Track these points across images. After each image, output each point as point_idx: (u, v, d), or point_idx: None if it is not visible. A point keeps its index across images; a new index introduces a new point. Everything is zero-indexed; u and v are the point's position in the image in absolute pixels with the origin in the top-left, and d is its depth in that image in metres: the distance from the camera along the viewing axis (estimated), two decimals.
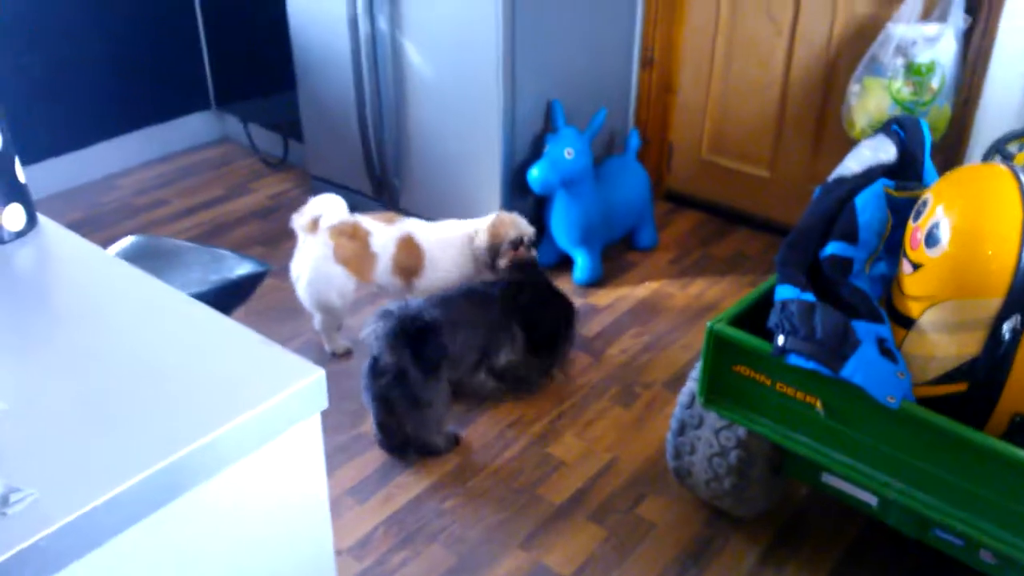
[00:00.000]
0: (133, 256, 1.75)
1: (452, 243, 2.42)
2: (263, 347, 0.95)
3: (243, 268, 1.66)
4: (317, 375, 0.91)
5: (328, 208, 2.37)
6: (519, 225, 2.43)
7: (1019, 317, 1.47)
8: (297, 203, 3.24)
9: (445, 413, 2.13)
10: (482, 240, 2.39)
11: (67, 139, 3.32)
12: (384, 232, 2.38)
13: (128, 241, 1.82)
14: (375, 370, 2.04)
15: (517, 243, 2.38)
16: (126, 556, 0.82)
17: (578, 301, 2.74)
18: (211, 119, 3.73)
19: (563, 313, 2.42)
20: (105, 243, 1.69)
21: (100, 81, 3.33)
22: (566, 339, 2.42)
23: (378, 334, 1.97)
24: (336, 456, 2.15)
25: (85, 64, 3.27)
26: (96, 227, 3.10)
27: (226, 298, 1.63)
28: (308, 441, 0.95)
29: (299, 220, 2.37)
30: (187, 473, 0.84)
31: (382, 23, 2.75)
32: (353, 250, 2.34)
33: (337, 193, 3.19)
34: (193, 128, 3.68)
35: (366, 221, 2.40)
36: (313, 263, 2.35)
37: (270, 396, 0.88)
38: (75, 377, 0.91)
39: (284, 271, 2.86)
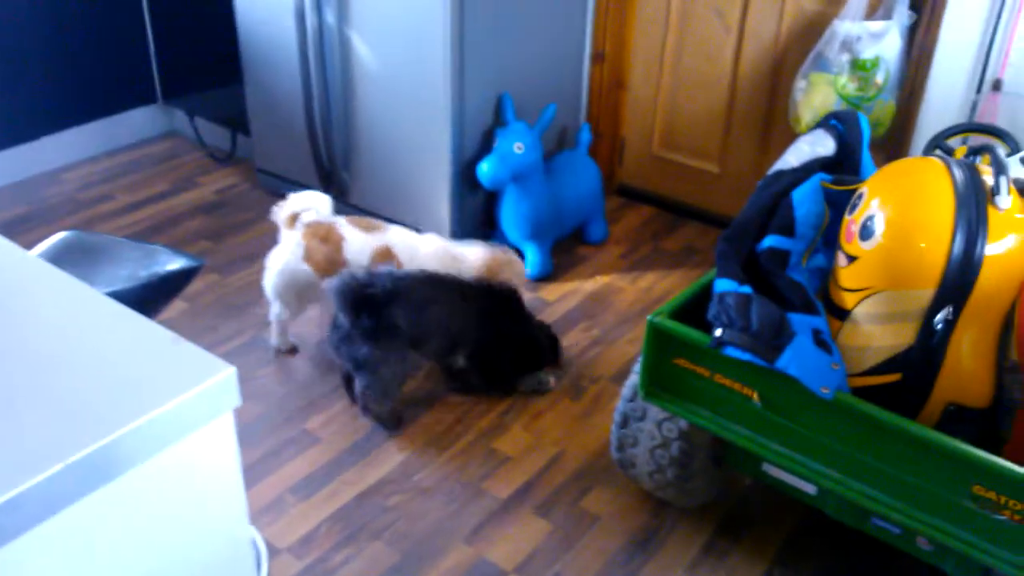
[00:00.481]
0: (63, 252, 1.70)
1: (433, 262, 2.33)
2: (175, 345, 0.93)
3: (175, 263, 1.62)
4: (228, 372, 0.89)
5: (310, 205, 2.33)
6: (516, 271, 2.38)
7: (951, 308, 1.49)
8: (244, 198, 3.22)
9: (392, 386, 2.15)
10: (470, 274, 2.32)
11: (10, 133, 3.24)
12: (360, 240, 2.31)
13: (59, 237, 1.77)
14: (333, 323, 2.13)
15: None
16: (30, 557, 0.80)
17: (528, 295, 2.73)
18: (157, 113, 3.67)
19: (524, 348, 2.32)
20: (47, 238, 1.65)
21: (44, 74, 3.25)
22: (513, 374, 2.33)
23: (331, 291, 2.04)
24: (281, 452, 2.12)
25: (28, 57, 3.19)
26: (39, 222, 3.03)
27: (157, 293, 1.60)
28: (221, 439, 0.93)
29: (279, 213, 2.34)
30: (94, 472, 0.82)
31: (329, 16, 2.72)
32: (324, 253, 2.29)
33: (286, 188, 3.15)
34: (139, 122, 3.61)
35: (344, 226, 2.32)
36: (282, 258, 2.32)
37: (179, 393, 0.86)
38: None
39: (230, 267, 2.82)
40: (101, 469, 0.82)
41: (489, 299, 2.27)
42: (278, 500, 1.99)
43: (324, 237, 2.29)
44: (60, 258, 1.67)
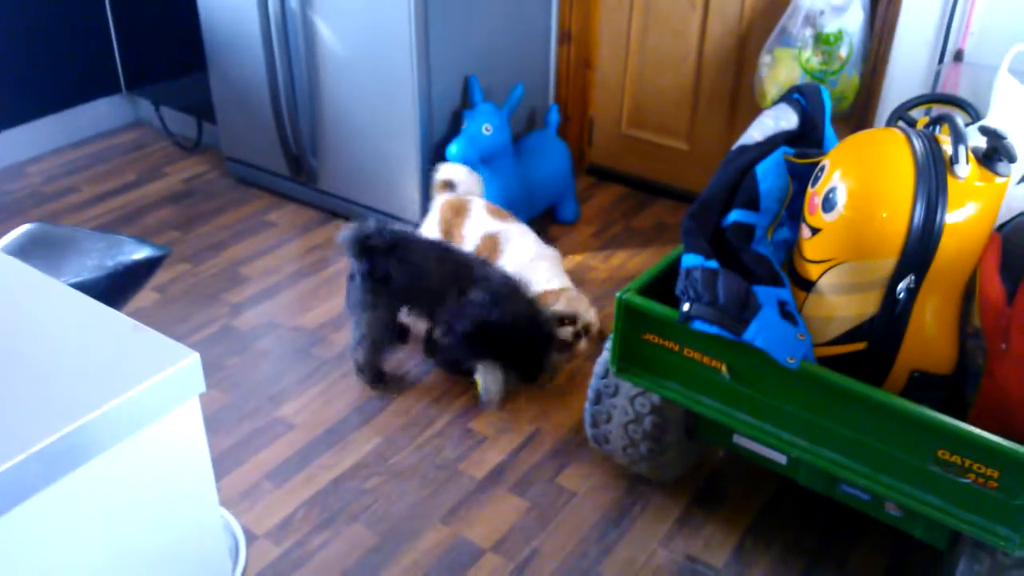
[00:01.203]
0: (28, 244, 1.69)
1: (528, 270, 2.36)
2: (137, 332, 0.93)
3: (141, 252, 1.61)
4: (192, 358, 0.89)
5: (462, 179, 2.54)
6: (583, 312, 2.34)
7: (913, 277, 1.51)
8: (212, 187, 3.20)
9: (380, 335, 2.24)
10: (559, 304, 2.31)
11: None
12: (480, 222, 2.46)
13: (23, 229, 1.76)
14: (348, 275, 2.27)
15: (577, 334, 2.33)
16: None
17: None
18: (122, 103, 3.62)
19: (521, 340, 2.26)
20: (11, 231, 1.63)
21: (4, 66, 3.20)
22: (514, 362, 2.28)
23: (342, 238, 2.18)
24: (255, 440, 2.12)
25: None
26: (4, 216, 2.99)
27: (125, 283, 1.59)
28: (188, 425, 0.93)
29: (437, 177, 2.57)
30: (61, 458, 0.82)
31: (292, 0, 2.69)
32: (450, 225, 2.48)
33: (255, 175, 3.13)
34: (103, 112, 3.57)
35: (476, 206, 2.49)
36: (425, 222, 2.56)
37: (144, 380, 0.86)
38: None
39: (200, 256, 2.80)
40: (68, 456, 0.82)
41: (488, 294, 2.21)
42: (254, 487, 1.99)
43: (456, 210, 2.48)
44: (25, 250, 1.66)
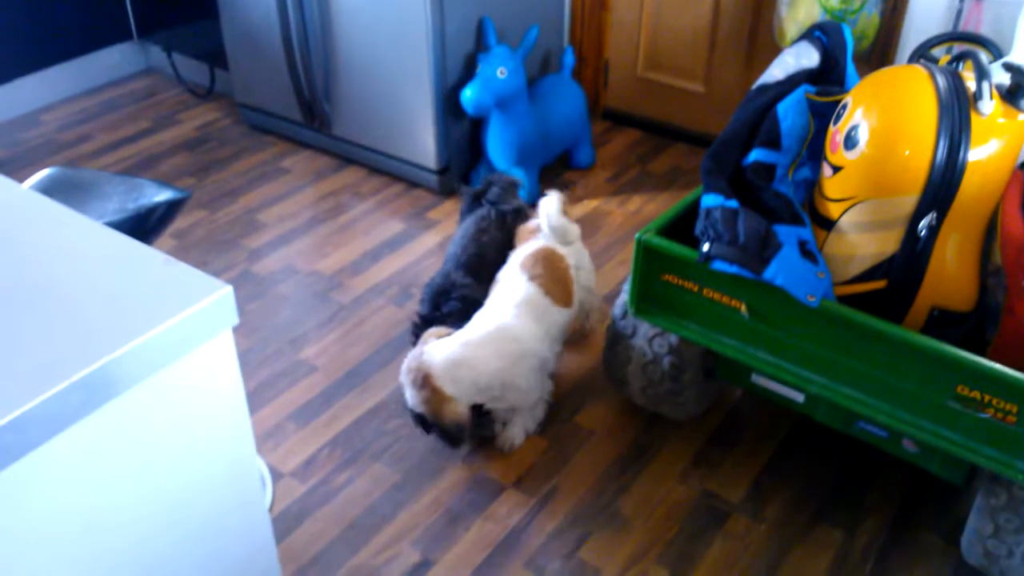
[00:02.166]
0: (49, 188, 1.70)
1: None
2: (168, 266, 0.94)
3: (162, 195, 1.62)
4: (224, 291, 0.91)
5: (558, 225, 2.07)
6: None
7: (934, 214, 1.51)
8: (226, 133, 3.19)
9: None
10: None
11: None
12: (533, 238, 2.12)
13: (44, 173, 1.77)
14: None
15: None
16: (38, 474, 0.82)
17: None
18: (134, 50, 3.60)
19: None
20: (32, 177, 1.64)
21: (16, 15, 3.18)
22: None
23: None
24: (279, 381, 2.15)
25: None
26: (20, 164, 3.00)
27: (145, 226, 1.60)
28: (222, 357, 0.95)
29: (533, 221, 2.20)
30: (96, 390, 0.83)
31: None
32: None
33: (269, 122, 3.12)
34: (115, 60, 3.55)
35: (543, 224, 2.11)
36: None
37: (177, 312, 0.88)
38: None
39: (216, 203, 2.81)
40: (103, 387, 0.84)
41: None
42: (278, 427, 2.02)
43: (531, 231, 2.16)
44: (47, 194, 1.66)
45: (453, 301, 2.06)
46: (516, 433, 2.00)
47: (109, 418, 0.86)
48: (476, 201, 2.30)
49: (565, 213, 2.06)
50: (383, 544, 1.78)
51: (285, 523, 1.81)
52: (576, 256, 2.11)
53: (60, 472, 0.85)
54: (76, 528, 0.88)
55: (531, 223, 2.16)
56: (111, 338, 0.84)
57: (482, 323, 1.91)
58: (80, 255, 0.96)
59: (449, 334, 1.90)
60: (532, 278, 1.98)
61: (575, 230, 2.08)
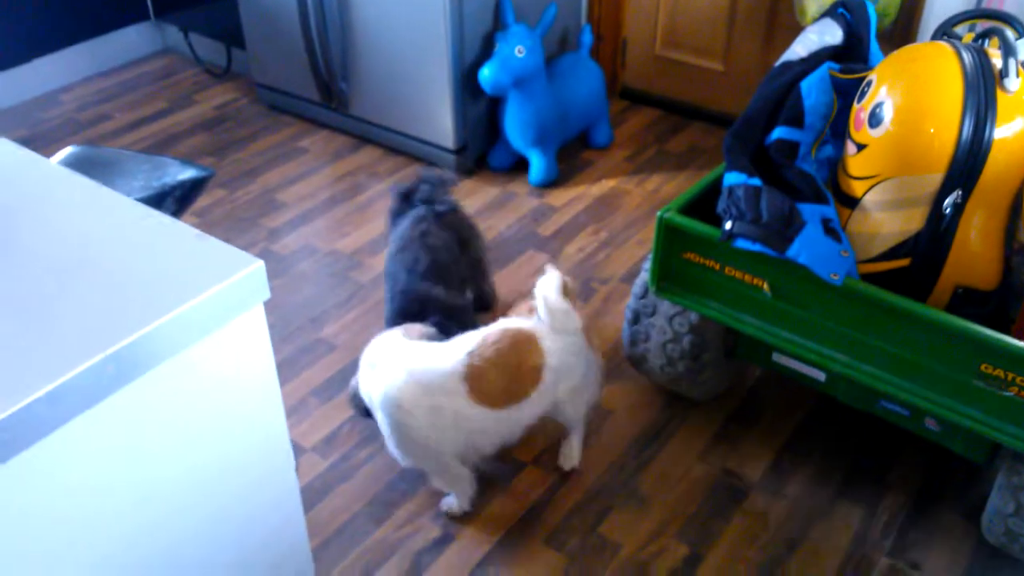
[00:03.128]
0: (72, 167, 1.70)
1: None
2: (200, 241, 0.94)
3: (186, 173, 1.63)
4: (256, 266, 0.91)
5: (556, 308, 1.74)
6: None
7: (959, 192, 1.50)
8: (244, 113, 3.19)
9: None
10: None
11: (3, 56, 3.20)
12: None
13: (68, 152, 1.77)
14: None
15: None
16: (73, 447, 0.83)
17: (534, 202, 2.74)
18: (151, 30, 3.60)
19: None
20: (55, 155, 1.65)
21: None
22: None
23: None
24: (300, 358, 2.16)
25: None
26: (42, 144, 3.02)
27: (170, 203, 1.61)
28: (253, 332, 0.96)
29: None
30: (131, 363, 0.84)
31: None
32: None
33: (286, 102, 3.12)
34: (132, 40, 3.55)
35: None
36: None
37: (209, 287, 0.88)
38: (6, 274, 0.90)
39: (236, 183, 2.82)
40: (137, 360, 0.85)
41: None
42: (300, 403, 2.04)
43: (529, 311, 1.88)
44: None
45: (432, 317, 1.90)
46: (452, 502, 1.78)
47: (144, 391, 0.87)
48: (406, 201, 2.15)
49: (567, 295, 1.70)
50: (405, 519, 1.80)
51: (308, 497, 1.83)
52: (567, 355, 1.71)
53: (95, 445, 0.86)
54: (110, 499, 0.90)
55: (527, 303, 1.79)
56: (146, 311, 0.85)
57: (410, 361, 1.66)
58: (113, 230, 0.97)
59: (430, 336, 1.77)
60: (470, 355, 1.64)
61: (576, 319, 1.70)
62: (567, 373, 1.73)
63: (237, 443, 1.01)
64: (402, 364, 1.65)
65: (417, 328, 1.79)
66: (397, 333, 1.75)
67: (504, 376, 1.65)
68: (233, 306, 0.91)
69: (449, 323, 1.90)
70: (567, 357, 1.71)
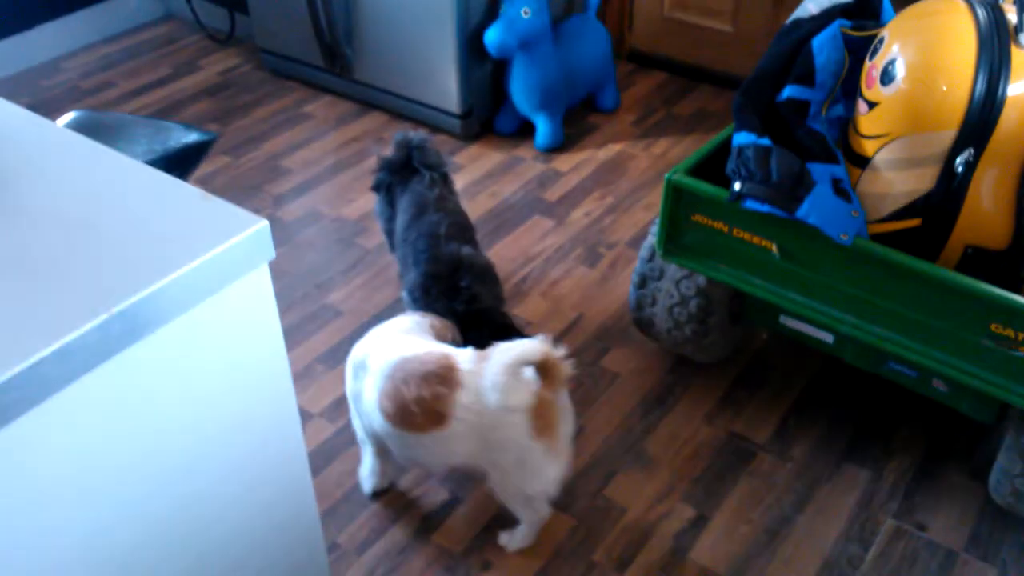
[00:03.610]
0: (75, 131, 1.69)
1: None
2: (204, 200, 0.94)
3: (189, 137, 1.62)
4: (261, 225, 0.90)
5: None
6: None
7: (971, 150, 1.48)
8: (247, 79, 3.17)
9: None
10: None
11: (4, 23, 3.17)
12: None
13: (70, 117, 1.76)
14: None
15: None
16: (78, 407, 0.83)
17: (541, 167, 2.72)
18: None
19: None
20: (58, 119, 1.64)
21: None
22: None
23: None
24: (306, 325, 2.16)
25: None
26: (45, 111, 3.00)
27: (174, 167, 1.60)
28: (258, 292, 0.95)
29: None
30: (137, 322, 0.84)
31: None
32: None
33: (290, 67, 3.10)
34: (134, 6, 3.52)
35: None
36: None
37: (214, 246, 0.88)
38: (12, 234, 0.89)
39: (240, 149, 2.81)
40: (145, 319, 0.84)
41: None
42: (307, 369, 2.04)
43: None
44: None
45: (465, 279, 1.85)
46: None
47: (151, 350, 0.87)
48: (394, 171, 2.07)
49: (553, 375, 1.50)
50: (412, 483, 1.80)
51: (315, 462, 1.84)
52: (487, 427, 1.50)
53: (103, 404, 0.86)
54: (118, 459, 0.90)
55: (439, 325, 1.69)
56: (152, 270, 0.85)
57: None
58: (118, 190, 0.96)
59: (444, 329, 1.73)
60: (392, 373, 1.55)
61: (515, 398, 1.48)
62: (491, 447, 1.53)
63: (244, 402, 1.00)
64: (383, 333, 1.66)
65: (439, 324, 1.72)
66: (411, 322, 1.69)
67: (403, 403, 1.53)
68: (239, 265, 0.91)
69: (482, 291, 1.82)
70: (487, 429, 1.51)
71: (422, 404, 1.51)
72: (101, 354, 0.83)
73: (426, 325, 1.70)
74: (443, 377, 1.51)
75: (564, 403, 1.59)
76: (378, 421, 1.59)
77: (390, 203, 2.10)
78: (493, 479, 1.59)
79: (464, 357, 1.54)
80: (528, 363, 1.48)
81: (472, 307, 1.82)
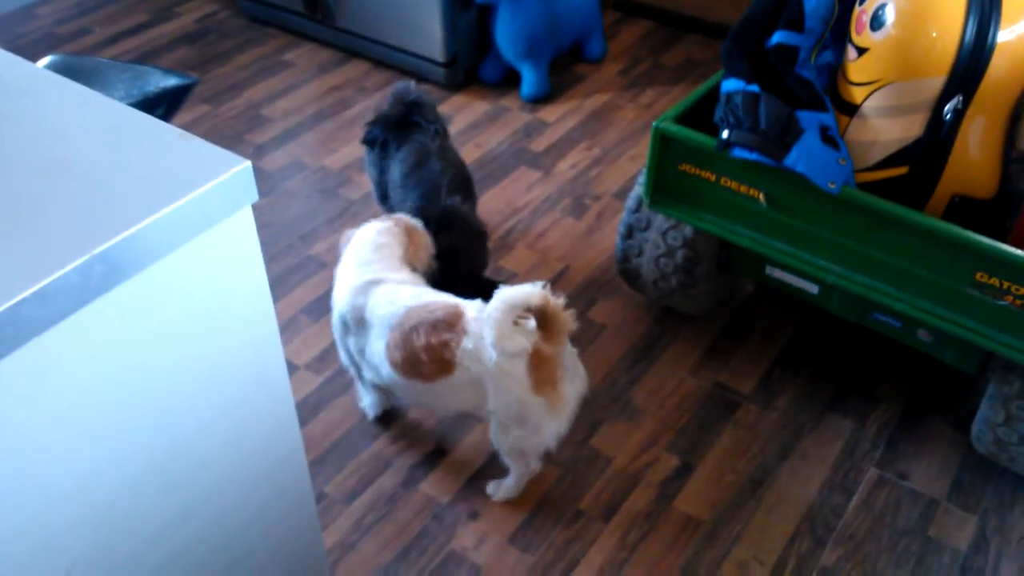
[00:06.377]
0: None
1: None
2: (185, 141, 0.91)
3: (168, 81, 1.58)
4: (244, 165, 0.88)
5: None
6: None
7: (960, 97, 1.47)
8: (226, 26, 3.10)
9: None
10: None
11: None
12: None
13: (46, 61, 1.72)
14: None
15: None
16: (62, 350, 0.82)
17: (526, 117, 2.69)
18: None
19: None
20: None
21: None
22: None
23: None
24: (290, 276, 2.15)
25: None
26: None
27: (153, 113, 1.57)
28: (242, 234, 0.94)
29: None
30: (119, 264, 0.82)
31: None
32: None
33: (270, 13, 3.03)
34: None
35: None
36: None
37: (197, 187, 0.86)
38: None
39: (219, 98, 2.76)
40: (127, 261, 0.82)
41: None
42: (292, 321, 2.03)
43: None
44: None
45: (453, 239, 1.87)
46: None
47: (134, 292, 0.85)
48: (390, 127, 2.04)
49: (551, 318, 1.49)
50: (399, 433, 1.80)
51: (302, 413, 1.83)
52: (491, 373, 1.50)
53: (86, 347, 0.84)
54: (101, 403, 0.89)
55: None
56: (133, 212, 0.83)
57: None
58: (97, 131, 0.94)
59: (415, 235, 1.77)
60: (400, 321, 1.56)
61: (514, 345, 1.47)
62: (492, 396, 1.53)
63: (229, 347, 0.99)
64: (376, 274, 1.65)
65: (407, 223, 1.74)
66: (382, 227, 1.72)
67: (412, 352, 1.54)
68: (222, 206, 0.89)
69: (468, 248, 1.84)
70: (489, 378, 1.51)
71: (430, 352, 1.52)
72: (83, 296, 0.81)
73: (397, 233, 1.72)
74: (450, 324, 1.52)
75: (572, 363, 1.59)
76: (387, 371, 1.59)
77: (383, 156, 2.08)
78: (492, 429, 1.60)
79: (471, 306, 1.54)
80: (527, 305, 1.46)
81: (450, 272, 1.83)
